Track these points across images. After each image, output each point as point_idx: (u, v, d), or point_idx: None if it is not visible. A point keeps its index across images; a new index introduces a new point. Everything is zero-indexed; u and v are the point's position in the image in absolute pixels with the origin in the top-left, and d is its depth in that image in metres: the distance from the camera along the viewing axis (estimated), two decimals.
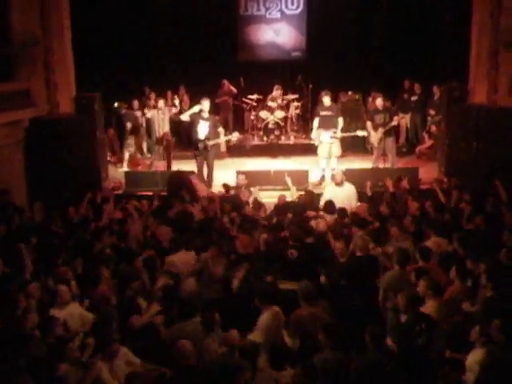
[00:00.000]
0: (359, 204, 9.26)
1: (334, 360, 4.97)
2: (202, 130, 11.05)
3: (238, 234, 7.85)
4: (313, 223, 8.17)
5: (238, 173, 10.74)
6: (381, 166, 11.81)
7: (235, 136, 11.92)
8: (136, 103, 14.00)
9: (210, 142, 11.06)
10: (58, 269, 6.52)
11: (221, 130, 11.40)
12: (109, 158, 12.79)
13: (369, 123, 11.83)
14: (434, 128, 13.20)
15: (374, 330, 5.15)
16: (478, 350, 4.96)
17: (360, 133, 11.64)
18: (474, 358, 4.88)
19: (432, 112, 13.53)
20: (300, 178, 10.86)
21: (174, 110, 13.28)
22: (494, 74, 10.88)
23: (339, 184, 9.63)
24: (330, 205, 8.84)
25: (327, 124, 11.39)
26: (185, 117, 11.31)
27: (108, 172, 12.07)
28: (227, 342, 5.26)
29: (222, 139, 11.59)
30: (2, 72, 10.47)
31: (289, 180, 9.92)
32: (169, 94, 14.47)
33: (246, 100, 14.66)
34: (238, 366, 4.68)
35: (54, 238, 7.67)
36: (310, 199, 9.42)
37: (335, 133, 11.28)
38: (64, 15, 11.28)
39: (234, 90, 14.69)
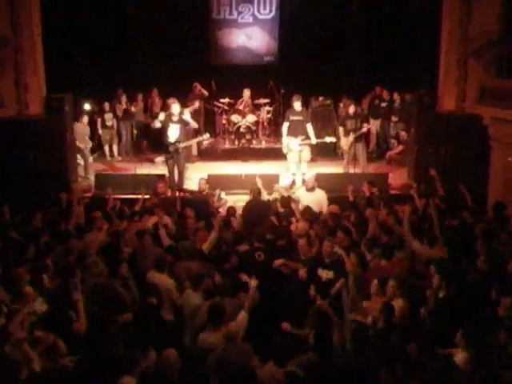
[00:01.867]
0: (332, 206, 9.28)
1: None
2: (173, 133, 10.99)
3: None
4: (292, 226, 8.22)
5: (210, 177, 10.75)
6: (351, 171, 11.91)
7: (206, 137, 11.85)
8: (107, 105, 13.92)
9: (181, 145, 11.00)
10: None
11: (206, 134, 11.41)
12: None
13: (340, 128, 11.94)
14: (403, 134, 13.39)
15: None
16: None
17: (328, 139, 11.70)
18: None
19: (394, 118, 13.73)
20: (270, 182, 10.89)
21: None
22: (462, 82, 11.11)
23: (311, 189, 9.72)
24: (308, 211, 8.84)
25: (296, 130, 11.43)
26: (157, 124, 11.20)
27: (77, 174, 11.95)
28: None
29: (194, 141, 11.54)
30: None
31: (259, 182, 9.92)
32: (139, 96, 14.41)
33: (218, 104, 14.66)
34: None
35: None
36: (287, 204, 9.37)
37: (303, 140, 11.32)
38: (34, 14, 11.15)
39: (206, 92, 14.68)
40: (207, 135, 11.81)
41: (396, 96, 13.78)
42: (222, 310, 5.70)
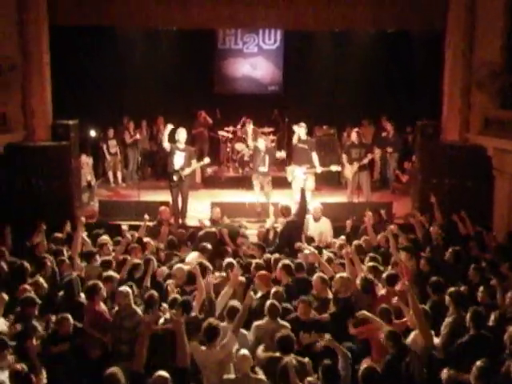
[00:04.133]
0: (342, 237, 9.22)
1: None
2: (178, 160, 11.02)
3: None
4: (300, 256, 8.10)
5: (213, 205, 10.74)
6: (355, 200, 11.92)
7: (207, 161, 11.76)
8: (112, 132, 14.02)
9: (184, 172, 11.03)
10: None
11: (194, 161, 11.31)
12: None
13: (344, 157, 11.97)
14: (407, 164, 13.44)
15: None
16: None
17: (334, 168, 11.71)
18: None
19: (389, 149, 13.77)
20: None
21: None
22: (466, 112, 11.18)
23: (317, 219, 9.74)
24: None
25: (301, 158, 11.47)
26: (165, 144, 11.19)
27: (82, 200, 11.97)
28: None
29: (194, 166, 11.40)
30: None
31: (272, 209, 9.95)
32: (143, 124, 14.50)
33: (222, 132, 14.75)
34: None
35: None
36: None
37: (308, 168, 11.35)
38: (43, 42, 11.28)
39: (210, 120, 14.79)
40: (207, 159, 11.74)
41: (389, 127, 13.84)
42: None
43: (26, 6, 10.96)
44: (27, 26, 10.99)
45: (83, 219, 8.79)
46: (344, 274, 6.81)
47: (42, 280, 6.99)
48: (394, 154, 13.75)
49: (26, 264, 7.25)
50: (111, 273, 7.17)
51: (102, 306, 6.63)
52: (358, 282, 6.83)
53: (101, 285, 6.65)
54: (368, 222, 9.02)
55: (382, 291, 6.87)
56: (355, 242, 8.25)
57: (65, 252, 8.17)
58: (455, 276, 7.30)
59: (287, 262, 7.34)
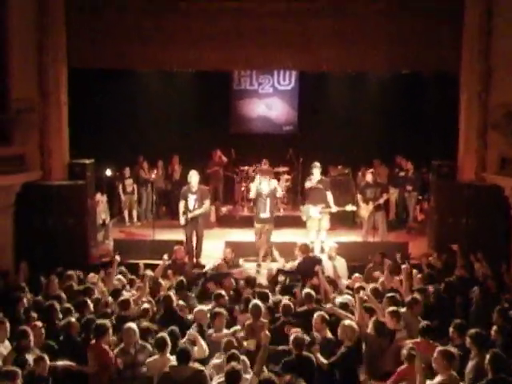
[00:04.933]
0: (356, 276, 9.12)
1: None
2: (190, 204, 11.04)
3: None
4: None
5: (227, 244, 10.71)
6: (370, 239, 11.83)
7: (206, 207, 11.46)
8: (128, 171, 14.12)
9: (191, 214, 11.01)
10: None
11: (207, 202, 11.30)
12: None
13: (359, 196, 11.94)
14: (425, 204, 13.40)
15: None
16: None
17: (349, 208, 11.68)
18: None
19: (409, 188, 13.74)
20: (289, 250, 10.80)
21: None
22: (482, 152, 11.14)
23: (332, 258, 9.69)
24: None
25: (316, 197, 11.45)
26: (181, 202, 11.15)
27: (97, 239, 12.00)
28: None
29: (199, 211, 11.30)
30: None
31: (276, 253, 9.91)
32: (159, 163, 14.60)
33: (237, 171, 14.82)
34: None
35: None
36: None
37: (324, 208, 11.33)
38: (61, 83, 11.52)
39: (225, 159, 14.88)
40: (207, 203, 11.57)
41: (410, 165, 13.85)
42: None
43: (46, 48, 11.20)
44: (46, 68, 11.21)
45: (118, 258, 8.85)
46: (347, 322, 6.55)
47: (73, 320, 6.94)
48: (414, 192, 13.70)
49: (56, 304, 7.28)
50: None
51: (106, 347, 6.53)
52: (370, 325, 6.65)
53: (109, 324, 6.58)
54: (386, 265, 8.89)
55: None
56: (371, 286, 8.10)
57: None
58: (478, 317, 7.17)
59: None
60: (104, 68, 12.10)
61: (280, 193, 11.83)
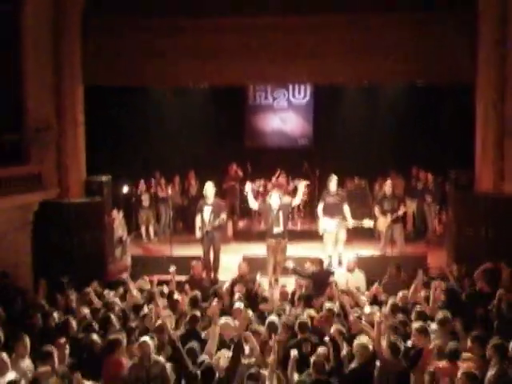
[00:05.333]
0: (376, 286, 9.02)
1: None
2: (206, 215, 11.03)
3: None
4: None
5: (243, 259, 10.67)
6: (388, 252, 11.74)
7: (222, 218, 11.39)
8: (144, 186, 14.17)
9: (206, 227, 11.01)
10: None
11: (223, 215, 11.27)
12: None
13: (377, 209, 11.86)
14: (443, 216, 13.29)
15: None
16: None
17: (366, 223, 11.54)
18: None
19: (429, 199, 13.64)
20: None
21: None
22: (499, 162, 11.04)
23: (351, 270, 9.62)
24: None
25: (332, 211, 11.41)
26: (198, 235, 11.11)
27: (114, 255, 12.04)
28: None
29: (215, 223, 11.30)
30: (15, 155, 10.67)
31: (291, 264, 9.83)
32: (176, 179, 14.65)
33: (253, 185, 14.80)
34: None
35: None
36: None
37: (340, 221, 11.26)
38: (78, 101, 11.65)
39: (241, 173, 14.90)
40: (224, 216, 11.57)
41: (430, 177, 13.76)
42: None
43: (61, 67, 11.36)
44: (62, 87, 11.37)
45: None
46: (360, 340, 6.34)
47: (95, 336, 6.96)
48: (433, 204, 13.60)
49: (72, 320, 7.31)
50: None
51: (124, 360, 6.54)
52: (384, 344, 6.43)
53: (122, 338, 6.58)
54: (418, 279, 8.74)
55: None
56: (391, 301, 7.95)
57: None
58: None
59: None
60: (119, 85, 12.22)
61: (297, 201, 11.29)
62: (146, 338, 6.47)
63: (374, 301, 8.28)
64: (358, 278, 9.59)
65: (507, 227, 10.74)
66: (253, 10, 11.45)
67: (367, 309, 7.58)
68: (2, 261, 10.19)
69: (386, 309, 7.78)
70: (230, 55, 11.70)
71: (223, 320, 7.20)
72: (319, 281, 9.09)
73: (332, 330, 6.74)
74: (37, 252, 10.91)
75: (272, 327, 7.00)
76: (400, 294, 8.40)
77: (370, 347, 6.29)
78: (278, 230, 10.39)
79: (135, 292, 8.82)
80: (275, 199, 10.50)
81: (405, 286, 8.75)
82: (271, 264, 10.37)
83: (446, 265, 10.33)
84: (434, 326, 7.10)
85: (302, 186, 11.12)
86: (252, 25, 11.63)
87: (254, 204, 10.95)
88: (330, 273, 9.49)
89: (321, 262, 9.77)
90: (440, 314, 7.19)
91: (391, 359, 6.31)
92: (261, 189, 14.67)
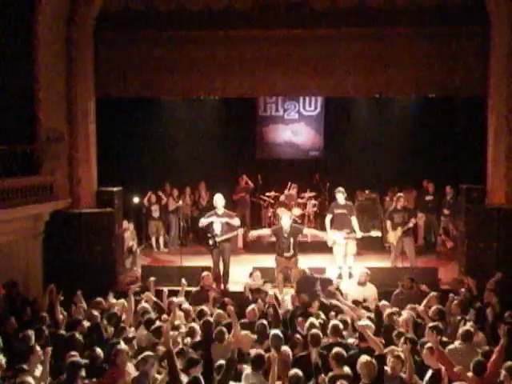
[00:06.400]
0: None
1: None
2: (217, 226, 11.06)
3: None
4: None
5: (255, 270, 10.64)
6: (399, 265, 11.68)
7: (240, 232, 11.66)
8: (154, 197, 14.21)
9: (218, 238, 11.02)
10: None
11: (235, 220, 11.28)
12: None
13: (388, 222, 11.80)
14: (451, 228, 13.21)
15: None
16: None
17: (374, 234, 11.56)
18: None
19: (446, 212, 13.60)
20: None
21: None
22: (511, 175, 10.99)
23: (362, 284, 9.59)
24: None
25: (341, 223, 11.38)
26: (203, 221, 11.25)
27: (125, 266, 12.07)
28: None
29: (229, 235, 11.37)
30: (27, 166, 10.73)
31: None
32: (187, 191, 14.68)
33: (264, 197, 14.81)
34: None
35: None
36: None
37: (349, 233, 11.24)
38: (90, 113, 11.76)
39: (252, 184, 14.92)
40: (241, 229, 11.70)
41: (449, 189, 13.69)
42: None
43: (74, 79, 11.48)
44: (74, 99, 11.49)
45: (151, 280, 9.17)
46: (365, 358, 6.11)
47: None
48: (450, 217, 13.53)
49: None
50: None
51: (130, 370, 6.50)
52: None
53: (123, 349, 6.56)
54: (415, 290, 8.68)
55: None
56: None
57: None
58: None
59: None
60: (131, 97, 12.30)
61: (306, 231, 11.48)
62: (147, 353, 6.36)
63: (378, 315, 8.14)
64: (371, 292, 9.52)
65: None
66: (264, 23, 11.54)
67: (362, 321, 7.44)
68: (13, 270, 10.25)
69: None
70: (241, 67, 11.77)
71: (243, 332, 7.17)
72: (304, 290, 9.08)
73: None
74: (47, 262, 10.96)
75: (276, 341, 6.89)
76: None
77: (375, 364, 6.11)
78: (288, 254, 10.67)
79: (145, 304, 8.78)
80: (286, 221, 10.78)
81: (418, 298, 8.69)
82: (280, 281, 10.56)
83: (458, 278, 10.22)
84: (457, 343, 6.91)
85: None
86: (263, 37, 11.72)
87: (267, 231, 11.48)
88: (314, 279, 9.49)
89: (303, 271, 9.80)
90: (463, 329, 7.02)
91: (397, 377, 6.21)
92: (272, 200, 14.67)
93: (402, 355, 6.25)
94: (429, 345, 6.44)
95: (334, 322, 7.33)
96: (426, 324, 7.48)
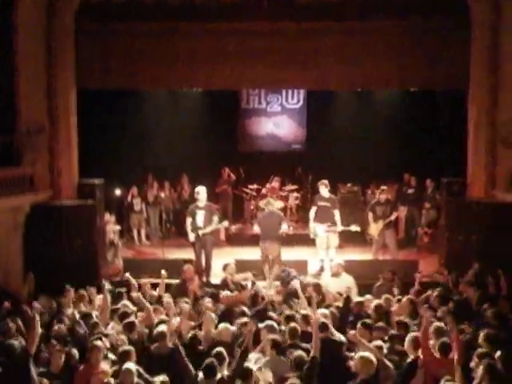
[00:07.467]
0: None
1: None
2: (199, 219, 11.05)
3: None
4: None
5: (236, 262, 10.64)
6: (380, 257, 11.76)
7: (225, 224, 11.80)
8: (136, 190, 14.14)
9: (202, 231, 11.02)
10: None
11: (215, 218, 11.31)
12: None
13: (370, 214, 11.87)
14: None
15: None
16: None
17: (353, 228, 11.61)
18: None
19: (427, 205, 13.69)
20: (299, 268, 10.76)
21: None
22: (491, 169, 11.11)
23: (337, 275, 9.64)
24: None
25: (323, 216, 11.42)
26: (191, 238, 11.17)
27: (106, 258, 12.00)
28: None
29: (213, 227, 11.38)
30: (7, 158, 10.62)
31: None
32: (166, 184, 14.62)
33: (246, 190, 14.81)
34: None
35: None
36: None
37: (330, 226, 11.29)
38: (70, 104, 11.64)
39: (233, 176, 14.92)
40: (226, 222, 11.77)
41: (429, 183, 13.78)
42: None
43: (54, 70, 11.35)
44: (55, 90, 11.36)
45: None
46: (365, 354, 6.20)
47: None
48: (432, 210, 13.61)
49: None
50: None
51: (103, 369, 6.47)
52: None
53: (99, 345, 6.54)
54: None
55: None
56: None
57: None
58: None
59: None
60: (112, 89, 12.21)
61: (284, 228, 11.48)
62: (128, 365, 6.18)
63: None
64: (347, 282, 9.54)
65: (498, 234, 10.78)
66: (248, 16, 11.50)
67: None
68: None
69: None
70: (224, 60, 11.72)
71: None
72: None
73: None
74: (28, 254, 10.85)
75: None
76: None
77: (374, 361, 6.12)
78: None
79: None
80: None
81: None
82: (266, 265, 10.61)
83: (438, 272, 10.33)
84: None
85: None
86: (247, 30, 11.67)
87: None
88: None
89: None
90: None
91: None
92: (254, 193, 14.68)
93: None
94: (413, 335, 6.62)
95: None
96: None
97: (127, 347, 6.61)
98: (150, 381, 6.16)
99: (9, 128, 10.70)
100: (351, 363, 6.44)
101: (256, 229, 11.61)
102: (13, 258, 10.67)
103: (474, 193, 11.40)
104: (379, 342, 6.66)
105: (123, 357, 6.42)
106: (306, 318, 7.32)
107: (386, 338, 7.03)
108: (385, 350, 6.64)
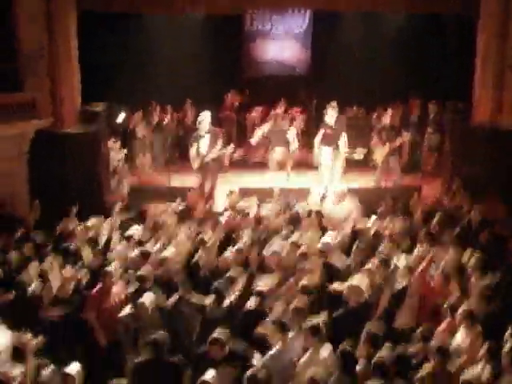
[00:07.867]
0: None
1: None
2: (203, 146, 11.00)
3: None
4: None
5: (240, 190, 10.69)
6: (383, 183, 11.78)
7: (230, 149, 11.78)
8: (139, 116, 14.01)
9: (206, 158, 10.99)
10: None
11: (220, 142, 11.24)
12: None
13: (375, 138, 11.81)
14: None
15: None
16: None
17: (357, 156, 11.60)
18: None
19: (430, 130, 13.52)
20: (303, 195, 10.80)
21: None
22: (498, 94, 10.95)
23: (337, 202, 9.72)
24: None
25: (329, 139, 11.32)
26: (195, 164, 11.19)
27: (111, 185, 12.05)
28: None
29: (217, 153, 11.40)
30: (9, 84, 10.52)
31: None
32: (169, 108, 14.47)
33: (251, 114, 14.68)
34: None
35: None
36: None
37: (335, 149, 11.21)
38: (71, 27, 11.39)
39: (238, 99, 14.75)
40: (231, 147, 11.73)
41: (432, 106, 13.56)
42: None
43: None
44: (55, 14, 11.04)
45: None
46: (355, 282, 6.38)
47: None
48: (435, 134, 13.46)
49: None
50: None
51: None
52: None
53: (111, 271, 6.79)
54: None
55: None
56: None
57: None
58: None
59: None
60: (114, 12, 11.91)
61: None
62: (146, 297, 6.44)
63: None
64: (349, 207, 9.62)
65: (502, 158, 10.74)
66: None
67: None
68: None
69: None
70: None
71: None
72: None
73: None
74: (33, 181, 10.91)
75: None
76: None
77: (364, 290, 6.27)
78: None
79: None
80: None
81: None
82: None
83: (437, 199, 10.38)
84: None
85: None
86: None
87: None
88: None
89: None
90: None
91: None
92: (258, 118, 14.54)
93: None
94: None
95: None
96: None
97: (144, 271, 6.77)
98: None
99: (9, 54, 10.54)
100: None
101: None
102: (18, 185, 10.75)
103: (479, 118, 11.28)
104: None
105: (139, 280, 6.60)
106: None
107: None
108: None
